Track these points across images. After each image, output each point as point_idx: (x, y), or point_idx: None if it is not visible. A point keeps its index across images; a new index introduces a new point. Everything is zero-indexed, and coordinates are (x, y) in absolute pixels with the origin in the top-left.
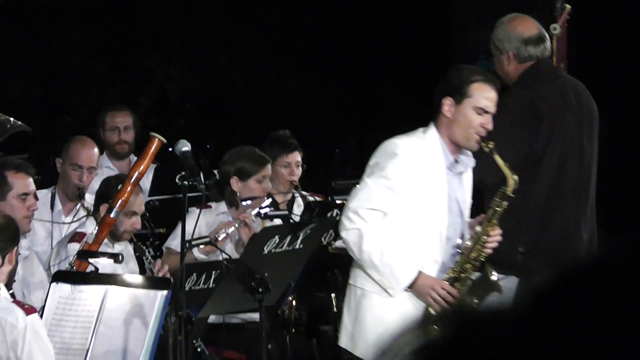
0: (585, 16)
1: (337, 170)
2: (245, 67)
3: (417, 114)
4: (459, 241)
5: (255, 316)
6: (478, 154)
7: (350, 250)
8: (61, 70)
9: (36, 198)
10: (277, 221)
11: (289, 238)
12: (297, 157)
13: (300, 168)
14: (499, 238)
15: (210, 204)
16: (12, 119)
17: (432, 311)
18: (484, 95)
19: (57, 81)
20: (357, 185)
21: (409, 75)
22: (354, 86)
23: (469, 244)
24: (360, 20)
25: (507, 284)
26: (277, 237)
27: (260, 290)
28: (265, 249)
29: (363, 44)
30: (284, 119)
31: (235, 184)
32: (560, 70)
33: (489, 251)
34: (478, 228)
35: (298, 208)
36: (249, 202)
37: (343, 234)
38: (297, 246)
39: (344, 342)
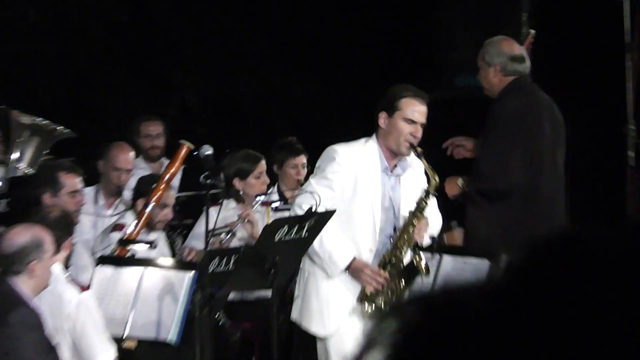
0: (546, 39)
1: None
2: (256, 76)
3: None
4: (392, 233)
5: (268, 293)
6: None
7: None
8: (89, 79)
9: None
10: (286, 213)
11: (296, 228)
12: (302, 159)
13: (305, 169)
14: (425, 227)
15: (220, 201)
16: (59, 126)
17: (367, 291)
18: (412, 108)
19: (85, 89)
20: (305, 186)
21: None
22: (354, 93)
23: (399, 233)
24: (361, 32)
25: (480, 266)
26: (286, 227)
27: (272, 271)
28: (276, 237)
29: (363, 54)
30: (291, 123)
31: (237, 183)
32: (536, 86)
33: (417, 238)
34: (411, 220)
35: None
36: (262, 197)
37: None
38: (303, 235)
39: (294, 315)
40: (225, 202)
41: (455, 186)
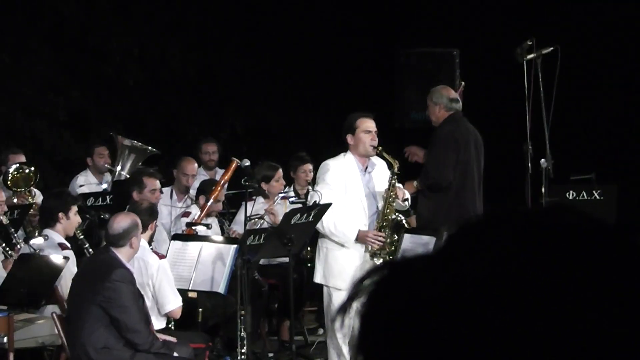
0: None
1: None
2: (282, 112)
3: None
4: (375, 210)
5: (286, 259)
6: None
7: (319, 229)
8: (174, 113)
9: (161, 192)
10: (298, 205)
11: (305, 214)
12: (309, 166)
13: (312, 173)
14: (400, 192)
15: (254, 198)
16: (149, 147)
17: (373, 249)
18: (366, 124)
19: (171, 120)
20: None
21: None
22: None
23: (381, 205)
24: (345, 90)
25: (429, 241)
26: (298, 214)
27: (289, 244)
28: (292, 221)
29: (350, 103)
30: (304, 144)
31: (263, 185)
32: (465, 119)
33: (394, 205)
34: (384, 195)
35: (311, 197)
36: (282, 194)
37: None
38: (310, 219)
39: (318, 279)
40: (256, 198)
41: (411, 186)
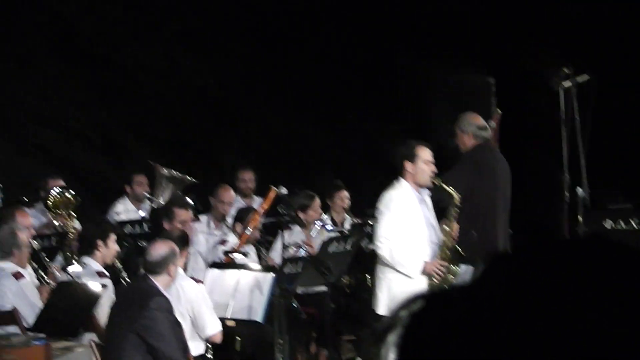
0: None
1: (369, 203)
2: (315, 138)
3: None
4: (435, 239)
5: (324, 288)
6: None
7: (384, 259)
8: (210, 140)
9: (198, 219)
10: (334, 233)
11: (342, 243)
12: (346, 193)
13: (348, 200)
14: (457, 229)
15: (290, 226)
16: (187, 176)
17: (435, 279)
18: (426, 153)
19: (206, 147)
20: (376, 222)
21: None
22: (375, 154)
23: (443, 237)
24: (377, 113)
25: (467, 271)
26: (335, 242)
27: (327, 273)
28: (329, 249)
29: (381, 128)
30: (336, 171)
31: (300, 214)
32: (492, 145)
33: (455, 238)
34: (445, 227)
35: (348, 225)
36: (319, 222)
37: (378, 251)
38: (347, 248)
39: (382, 310)
40: (293, 226)
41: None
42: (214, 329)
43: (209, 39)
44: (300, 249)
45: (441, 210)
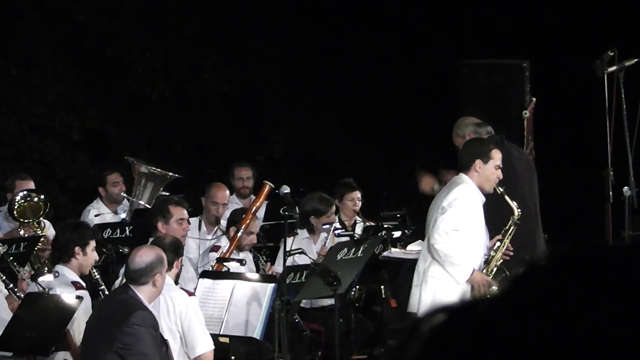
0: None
1: (384, 204)
2: (325, 137)
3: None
4: (485, 252)
5: (331, 301)
6: None
7: (437, 255)
8: (208, 139)
9: (188, 223)
10: (344, 238)
11: (353, 249)
12: (358, 194)
13: (360, 202)
14: (511, 249)
15: (296, 231)
16: (169, 172)
17: (478, 292)
18: (499, 157)
19: (206, 146)
20: (441, 214)
21: (431, 141)
22: (396, 149)
23: (493, 253)
24: (401, 110)
25: None
26: (345, 249)
27: (334, 283)
28: (338, 256)
29: (402, 124)
30: (349, 170)
31: (312, 219)
32: (503, 139)
33: (507, 257)
34: (499, 243)
35: (359, 229)
36: (327, 226)
37: (435, 245)
38: (359, 255)
39: (422, 311)
40: (299, 232)
41: None
42: (205, 348)
43: (207, 23)
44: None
45: None
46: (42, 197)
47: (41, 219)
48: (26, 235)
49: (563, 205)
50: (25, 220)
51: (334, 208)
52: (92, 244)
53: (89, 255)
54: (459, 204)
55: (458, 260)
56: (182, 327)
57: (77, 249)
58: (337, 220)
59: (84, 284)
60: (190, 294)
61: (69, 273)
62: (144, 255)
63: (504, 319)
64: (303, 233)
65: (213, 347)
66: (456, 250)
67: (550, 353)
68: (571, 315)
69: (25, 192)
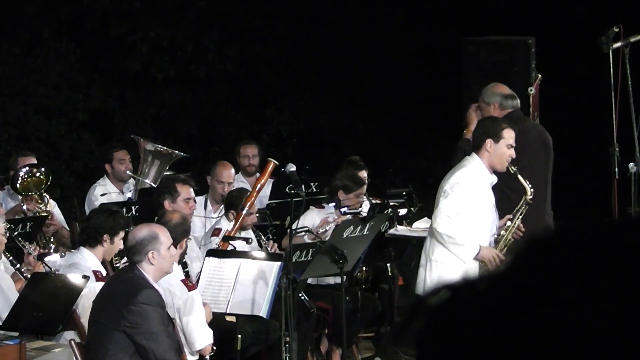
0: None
1: (390, 182)
2: (330, 116)
3: (439, 144)
4: (495, 231)
5: (337, 279)
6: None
7: (441, 237)
8: (212, 119)
9: (195, 202)
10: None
11: (359, 227)
12: (364, 173)
13: (367, 180)
14: (522, 229)
15: (323, 204)
16: (176, 151)
17: (489, 267)
18: (511, 136)
19: (210, 125)
20: (443, 197)
21: (436, 119)
22: (400, 127)
23: (504, 233)
24: (405, 87)
25: None
26: (352, 226)
27: (341, 261)
28: (344, 234)
29: (407, 102)
30: (355, 148)
31: (340, 194)
32: (525, 117)
33: (517, 237)
34: (509, 223)
35: (365, 207)
36: (346, 209)
37: (437, 228)
38: (365, 232)
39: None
40: (326, 206)
41: None
42: (203, 343)
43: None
44: (315, 234)
45: None
46: (43, 169)
47: (44, 193)
48: (28, 210)
49: (569, 181)
50: (29, 193)
51: (364, 189)
52: (122, 234)
53: (116, 245)
54: (460, 187)
55: (462, 241)
56: (181, 322)
57: (106, 236)
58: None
59: (104, 274)
60: (191, 287)
61: (91, 258)
62: (137, 232)
63: (506, 296)
64: (329, 209)
65: (211, 340)
66: (459, 232)
67: (551, 330)
68: (573, 292)
69: (27, 168)
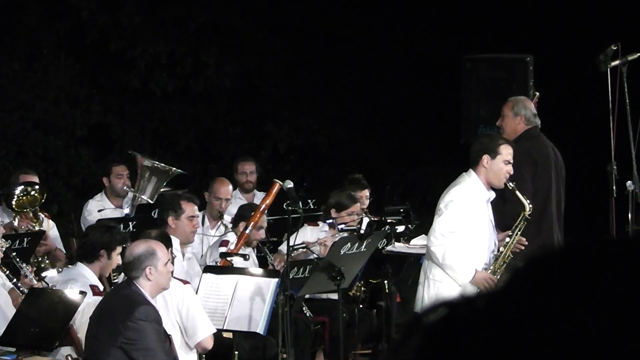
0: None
1: (388, 199)
2: (330, 130)
3: (438, 161)
4: (494, 248)
5: (334, 295)
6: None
7: (435, 257)
8: (212, 134)
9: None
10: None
11: (357, 244)
12: (366, 192)
13: (368, 200)
14: (524, 244)
15: (318, 222)
16: (173, 167)
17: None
18: (509, 152)
19: (209, 140)
20: (437, 216)
21: (434, 135)
22: (399, 142)
23: (502, 249)
24: (405, 102)
25: None
26: (349, 243)
27: (338, 278)
28: (341, 251)
29: (407, 118)
30: (354, 164)
31: (334, 213)
32: (542, 134)
33: (517, 250)
34: (508, 239)
35: (364, 225)
36: (342, 225)
37: (431, 247)
38: (362, 249)
39: None
40: (321, 224)
41: None
42: (206, 332)
43: (210, 16)
44: (311, 251)
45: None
46: (38, 187)
47: (39, 212)
48: (21, 228)
49: (567, 199)
50: (24, 210)
51: (357, 207)
52: (119, 250)
53: (113, 260)
54: (454, 205)
55: (455, 264)
56: (181, 316)
57: (103, 251)
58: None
59: (102, 289)
60: (185, 282)
61: (88, 274)
62: (134, 248)
63: (504, 314)
64: (324, 227)
65: (214, 329)
66: (452, 254)
67: (550, 348)
68: (571, 310)
69: (22, 186)
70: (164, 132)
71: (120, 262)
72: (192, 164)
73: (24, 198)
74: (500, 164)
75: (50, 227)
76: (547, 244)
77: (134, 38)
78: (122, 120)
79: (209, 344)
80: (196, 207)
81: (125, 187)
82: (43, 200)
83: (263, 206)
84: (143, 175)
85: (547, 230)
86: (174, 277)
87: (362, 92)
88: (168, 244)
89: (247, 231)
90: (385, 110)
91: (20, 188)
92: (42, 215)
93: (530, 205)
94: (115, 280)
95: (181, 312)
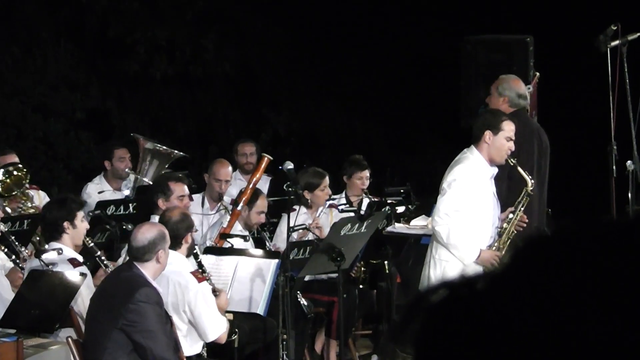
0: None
1: (388, 181)
2: (329, 116)
3: (437, 145)
4: (497, 223)
5: (335, 276)
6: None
7: (440, 237)
8: (211, 119)
9: (191, 199)
10: (349, 214)
11: (357, 225)
12: (367, 173)
13: (368, 180)
14: (525, 221)
15: (294, 207)
16: (175, 150)
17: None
18: (511, 129)
19: (209, 125)
20: (441, 195)
21: (434, 119)
22: (398, 127)
23: (506, 225)
24: (403, 88)
25: None
26: (349, 224)
27: (338, 259)
28: (341, 232)
29: (404, 103)
30: (353, 148)
31: (306, 194)
32: (527, 116)
33: (520, 229)
34: (511, 215)
35: (364, 206)
36: (328, 202)
37: (436, 227)
38: (362, 230)
39: None
40: (299, 207)
41: None
42: (218, 332)
43: (209, 2)
44: (309, 233)
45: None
46: (20, 166)
47: (26, 189)
48: (12, 210)
49: (567, 180)
50: (13, 194)
51: (326, 181)
52: (80, 215)
53: (79, 227)
54: (458, 184)
55: (460, 243)
56: (193, 315)
57: (66, 224)
58: (344, 197)
59: (81, 260)
60: (201, 279)
61: (64, 249)
62: (147, 232)
63: (505, 295)
64: (302, 209)
65: (225, 327)
66: (456, 233)
67: (550, 330)
68: (572, 291)
69: (2, 170)
70: (163, 117)
71: (87, 226)
72: (192, 149)
73: (8, 180)
74: (502, 140)
75: (42, 197)
76: (530, 222)
77: (133, 23)
78: (121, 105)
79: (223, 340)
80: (185, 187)
81: (127, 169)
82: (28, 176)
83: (253, 181)
84: (145, 158)
85: (531, 209)
86: (192, 272)
87: (361, 76)
88: (190, 227)
89: (238, 208)
90: (384, 94)
91: (1, 172)
92: (31, 192)
93: (532, 181)
94: (90, 245)
95: (193, 312)
